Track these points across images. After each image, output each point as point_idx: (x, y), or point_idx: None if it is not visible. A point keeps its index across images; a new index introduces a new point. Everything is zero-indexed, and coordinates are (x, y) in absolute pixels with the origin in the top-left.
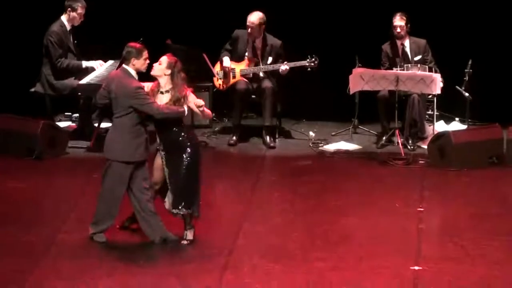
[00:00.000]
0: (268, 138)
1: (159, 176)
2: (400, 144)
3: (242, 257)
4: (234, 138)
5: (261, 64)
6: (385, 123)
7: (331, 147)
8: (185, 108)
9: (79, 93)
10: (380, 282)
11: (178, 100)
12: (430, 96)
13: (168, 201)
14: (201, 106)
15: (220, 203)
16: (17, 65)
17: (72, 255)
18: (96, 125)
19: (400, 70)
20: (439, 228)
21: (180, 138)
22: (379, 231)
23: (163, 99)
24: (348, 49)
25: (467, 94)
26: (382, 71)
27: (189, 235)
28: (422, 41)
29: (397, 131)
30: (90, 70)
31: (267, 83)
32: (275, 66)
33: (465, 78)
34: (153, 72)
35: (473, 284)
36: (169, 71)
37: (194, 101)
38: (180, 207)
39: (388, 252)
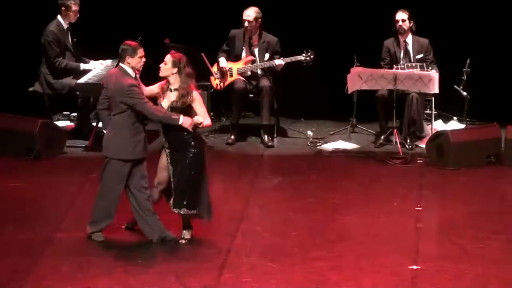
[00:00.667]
0: (266, 137)
1: (163, 176)
2: (398, 143)
3: (241, 256)
4: (232, 137)
5: (258, 62)
6: (383, 122)
7: (329, 146)
8: (181, 117)
9: (77, 92)
10: (379, 281)
11: (183, 97)
12: (430, 93)
13: (172, 202)
14: (200, 124)
15: (218, 202)
16: (16, 64)
17: (71, 254)
18: (94, 124)
19: (399, 68)
20: (437, 227)
21: (186, 137)
22: (378, 230)
23: (171, 97)
24: (346, 48)
25: (465, 93)
26: (381, 71)
27: (187, 234)
28: (425, 41)
29: (395, 130)
30: (88, 71)
31: (265, 82)
32: (271, 62)
33: (463, 78)
34: (161, 74)
35: (471, 283)
36: (175, 69)
37: (194, 119)
38: (181, 207)
39: (386, 251)
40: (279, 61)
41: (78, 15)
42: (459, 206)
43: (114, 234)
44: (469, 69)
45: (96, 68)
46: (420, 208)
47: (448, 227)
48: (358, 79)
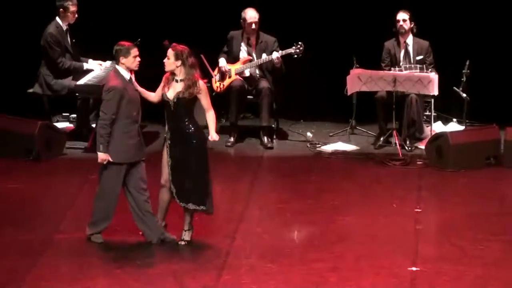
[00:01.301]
0: (265, 138)
1: (167, 173)
2: (397, 144)
3: (240, 257)
4: (232, 139)
5: (255, 60)
6: (383, 123)
7: (328, 147)
8: (101, 152)
9: (77, 94)
10: (378, 282)
11: (189, 87)
12: (429, 95)
13: (176, 195)
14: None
15: (217, 204)
16: (15, 66)
17: (70, 255)
18: (93, 125)
19: (398, 70)
20: (437, 228)
21: (188, 131)
22: (377, 231)
23: (177, 87)
24: (345, 50)
25: (464, 95)
26: (380, 72)
27: (187, 236)
28: (425, 43)
29: (394, 132)
30: (90, 71)
31: (264, 84)
32: (266, 59)
33: (462, 79)
34: (166, 69)
35: (471, 284)
36: (179, 62)
37: (211, 136)
38: (188, 202)
39: (386, 253)
40: (275, 54)
41: (76, 16)
42: (458, 208)
43: (113, 236)
44: (468, 71)
45: (95, 70)
46: (419, 210)
47: (448, 229)
48: (358, 80)
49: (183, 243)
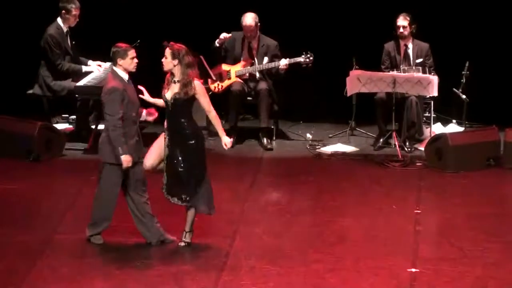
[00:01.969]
0: (265, 140)
1: (155, 155)
2: (397, 146)
3: (239, 259)
4: (231, 140)
5: (256, 65)
6: (382, 125)
7: (328, 149)
8: (125, 155)
9: (76, 95)
10: (377, 283)
11: (184, 87)
12: (428, 97)
13: (165, 187)
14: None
15: (217, 205)
16: (15, 67)
17: (69, 256)
18: (93, 127)
19: (398, 72)
20: (437, 229)
21: (185, 131)
22: (377, 232)
23: (174, 89)
24: (345, 51)
25: (464, 96)
26: (379, 74)
27: (188, 237)
28: (425, 45)
29: (394, 133)
30: (89, 73)
31: (263, 85)
32: (272, 65)
33: (462, 80)
34: (164, 69)
35: (471, 285)
36: (176, 61)
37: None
38: (173, 196)
39: (385, 254)
40: (284, 61)
41: (77, 19)
42: (458, 209)
43: (113, 237)
44: (468, 72)
45: (95, 71)
46: (419, 211)
47: (447, 230)
48: (357, 82)
49: (183, 244)
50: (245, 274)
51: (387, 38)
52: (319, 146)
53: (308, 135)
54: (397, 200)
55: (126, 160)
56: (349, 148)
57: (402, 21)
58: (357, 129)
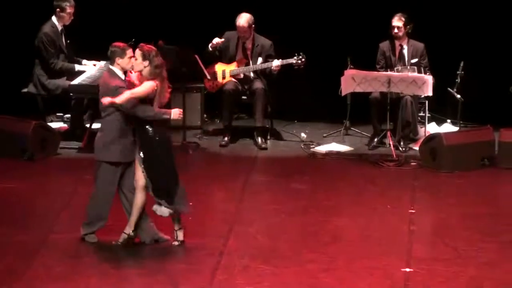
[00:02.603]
0: (259, 139)
1: (139, 175)
2: (391, 145)
3: (233, 258)
4: (226, 139)
5: (251, 64)
6: (377, 124)
7: (322, 148)
8: (172, 112)
9: (71, 94)
10: (372, 283)
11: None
12: (422, 97)
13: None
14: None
15: (211, 204)
16: (9, 65)
17: (64, 255)
18: (87, 125)
19: (392, 71)
20: (431, 229)
21: (149, 134)
22: (371, 232)
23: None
24: (340, 51)
25: (459, 96)
26: (374, 73)
27: (180, 235)
28: (420, 45)
29: (388, 133)
30: (82, 73)
31: (258, 84)
32: (265, 65)
33: (457, 80)
34: (134, 70)
35: (465, 285)
36: (147, 62)
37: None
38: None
39: (379, 254)
40: (277, 62)
41: (72, 18)
42: (452, 209)
43: (108, 236)
44: (462, 72)
45: (88, 70)
46: (413, 211)
47: (442, 230)
48: (352, 81)
49: (177, 243)
50: (239, 273)
51: (382, 37)
52: (313, 146)
53: (303, 135)
54: (392, 200)
55: (175, 113)
56: (343, 148)
57: (397, 22)
58: (351, 128)
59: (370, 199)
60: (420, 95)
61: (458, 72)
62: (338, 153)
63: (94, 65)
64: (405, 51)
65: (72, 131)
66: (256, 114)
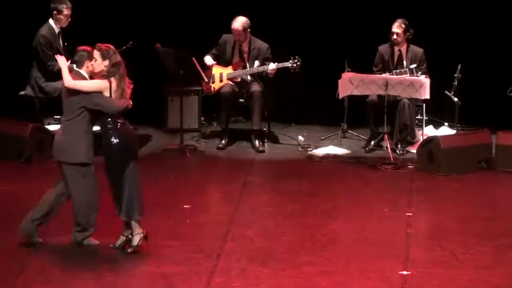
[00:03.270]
0: (257, 142)
1: None
2: (389, 148)
3: (231, 261)
4: (223, 142)
5: (248, 68)
6: (374, 127)
7: (320, 151)
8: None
9: None
10: (368, 286)
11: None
12: (420, 99)
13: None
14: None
15: (208, 207)
16: (7, 68)
17: (60, 258)
18: None
19: (390, 75)
20: (428, 232)
21: (109, 132)
22: (368, 235)
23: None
24: (337, 53)
25: (456, 99)
26: (372, 76)
27: (135, 240)
28: (420, 50)
29: (386, 136)
30: None
31: (255, 87)
32: (261, 68)
33: (454, 83)
34: (95, 71)
35: None
36: (107, 61)
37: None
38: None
39: (376, 256)
40: (272, 65)
41: (69, 20)
42: (449, 212)
43: (103, 238)
44: (460, 75)
45: None
46: (410, 214)
47: (439, 233)
48: (349, 84)
49: (130, 250)
50: (236, 276)
51: (380, 40)
52: (311, 149)
53: (300, 138)
54: (389, 203)
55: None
56: (341, 151)
57: (396, 29)
58: (349, 131)
59: (367, 202)
60: (418, 98)
61: (455, 75)
62: (335, 156)
63: None
64: (404, 56)
65: None
66: (253, 117)
